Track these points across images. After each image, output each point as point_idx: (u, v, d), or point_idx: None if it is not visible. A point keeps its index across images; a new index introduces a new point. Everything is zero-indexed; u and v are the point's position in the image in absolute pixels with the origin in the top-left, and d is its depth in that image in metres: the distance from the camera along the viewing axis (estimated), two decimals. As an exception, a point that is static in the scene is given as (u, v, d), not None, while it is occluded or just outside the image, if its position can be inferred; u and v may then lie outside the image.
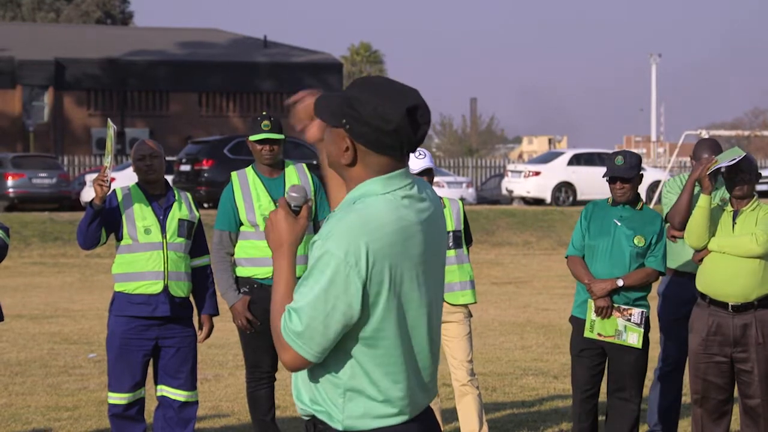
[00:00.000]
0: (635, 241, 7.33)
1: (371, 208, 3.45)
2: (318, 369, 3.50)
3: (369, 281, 3.40)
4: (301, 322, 3.40)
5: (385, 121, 3.44)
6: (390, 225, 3.44)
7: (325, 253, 3.40)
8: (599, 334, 7.36)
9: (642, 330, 7.34)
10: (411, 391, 3.52)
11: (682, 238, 7.66)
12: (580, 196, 35.61)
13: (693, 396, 7.29)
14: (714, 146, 7.74)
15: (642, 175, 7.52)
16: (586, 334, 7.38)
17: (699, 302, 7.24)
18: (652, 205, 24.80)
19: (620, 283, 7.29)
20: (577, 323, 7.50)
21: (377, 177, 3.49)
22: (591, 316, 7.37)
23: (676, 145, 41.09)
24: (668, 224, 7.61)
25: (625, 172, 7.35)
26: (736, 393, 7.25)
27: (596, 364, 7.47)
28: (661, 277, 7.64)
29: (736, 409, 7.39)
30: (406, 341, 3.50)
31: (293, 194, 3.62)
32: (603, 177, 7.46)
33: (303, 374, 3.56)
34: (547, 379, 11.09)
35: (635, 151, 9.45)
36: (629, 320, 7.34)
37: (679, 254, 7.85)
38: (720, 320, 7.11)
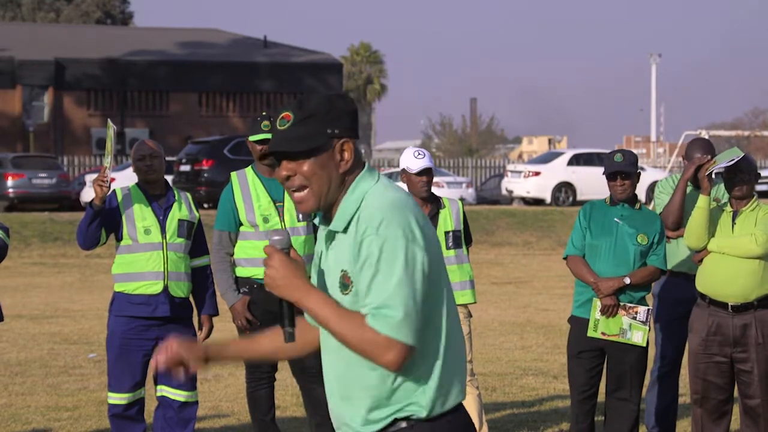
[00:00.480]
0: (639, 240, 7.33)
1: (382, 194, 3.48)
2: (373, 374, 3.44)
3: (427, 251, 3.42)
4: (398, 310, 3.35)
5: (351, 101, 3.56)
6: (405, 200, 3.48)
7: (385, 241, 3.38)
8: (603, 333, 7.34)
9: (647, 328, 7.33)
10: (461, 361, 3.53)
11: (675, 238, 7.66)
12: (579, 197, 35.59)
13: (693, 396, 7.28)
14: (706, 146, 7.74)
15: (640, 174, 7.53)
16: (590, 333, 7.36)
17: (699, 302, 7.24)
18: (651, 206, 24.84)
19: (627, 281, 7.28)
20: (578, 323, 7.47)
21: (360, 175, 3.52)
22: (595, 314, 7.34)
23: (675, 145, 41.13)
24: (663, 224, 7.61)
25: (625, 167, 7.35)
26: (736, 393, 7.25)
27: (594, 365, 7.45)
28: (658, 277, 7.65)
29: (736, 409, 7.39)
30: (452, 307, 3.52)
31: (276, 237, 3.53)
32: (603, 174, 7.46)
33: (343, 398, 3.52)
34: (547, 379, 11.09)
35: (634, 151, 9.47)
36: (635, 318, 7.32)
37: (673, 254, 7.84)
38: (720, 320, 7.11)
